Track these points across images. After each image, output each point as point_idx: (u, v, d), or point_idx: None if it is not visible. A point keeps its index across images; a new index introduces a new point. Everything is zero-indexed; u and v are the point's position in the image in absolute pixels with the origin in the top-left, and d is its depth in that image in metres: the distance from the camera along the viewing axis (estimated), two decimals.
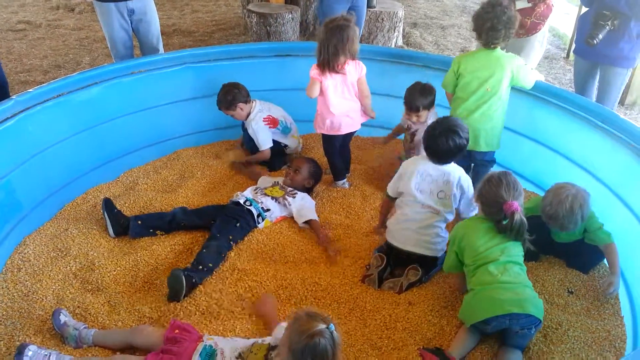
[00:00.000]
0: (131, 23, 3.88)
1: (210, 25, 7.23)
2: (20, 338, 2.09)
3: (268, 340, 1.90)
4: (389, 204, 2.73)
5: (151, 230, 2.74)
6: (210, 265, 2.47)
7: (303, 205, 2.96)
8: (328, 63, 2.86)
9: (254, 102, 3.43)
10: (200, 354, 1.89)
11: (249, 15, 5.98)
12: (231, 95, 3.34)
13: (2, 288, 2.36)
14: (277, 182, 3.15)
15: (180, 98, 3.58)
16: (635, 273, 2.49)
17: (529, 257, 2.47)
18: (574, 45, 3.86)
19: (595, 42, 3.31)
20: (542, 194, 2.99)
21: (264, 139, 3.40)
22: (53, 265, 2.51)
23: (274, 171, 3.48)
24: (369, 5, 4.74)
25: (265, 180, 3.25)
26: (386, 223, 2.66)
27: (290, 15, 5.87)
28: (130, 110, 3.35)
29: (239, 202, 2.87)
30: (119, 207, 2.92)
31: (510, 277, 2.10)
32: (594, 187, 2.62)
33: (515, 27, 2.80)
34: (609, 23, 3.27)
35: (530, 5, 3.61)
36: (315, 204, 3.06)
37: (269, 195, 2.95)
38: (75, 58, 5.86)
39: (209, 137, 3.77)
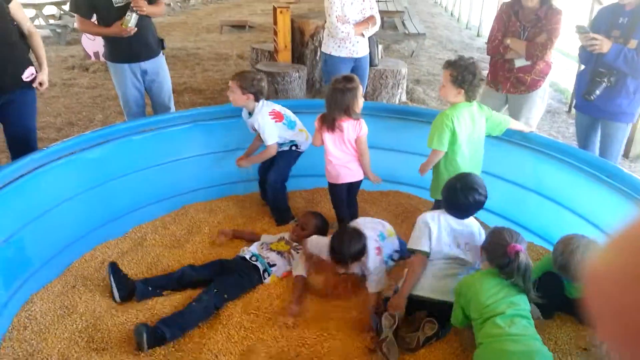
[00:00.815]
0: (144, 83, 4.02)
1: (220, 84, 7.45)
2: None
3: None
4: (424, 262, 2.51)
5: (158, 291, 2.72)
6: (192, 325, 2.47)
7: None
8: (326, 119, 3.01)
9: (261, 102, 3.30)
10: None
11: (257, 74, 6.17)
12: (256, 82, 3.25)
13: (8, 347, 2.33)
14: (283, 236, 3.16)
15: (190, 155, 3.65)
16: None
17: (542, 314, 2.47)
18: (574, 101, 3.93)
19: (592, 97, 3.38)
20: (549, 248, 2.98)
21: (271, 133, 3.30)
22: (59, 323, 2.49)
23: (281, 225, 3.49)
24: (371, 64, 4.90)
25: (269, 237, 3.25)
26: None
27: (297, 74, 6.06)
28: (140, 167, 3.41)
29: (245, 258, 2.87)
30: (127, 263, 2.93)
31: (519, 330, 2.06)
32: (601, 242, 2.60)
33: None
34: (606, 80, 3.35)
35: (529, 63, 3.71)
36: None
37: (274, 250, 2.95)
38: (88, 116, 6.02)
39: (217, 192, 3.81)
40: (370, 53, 4.72)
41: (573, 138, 5.15)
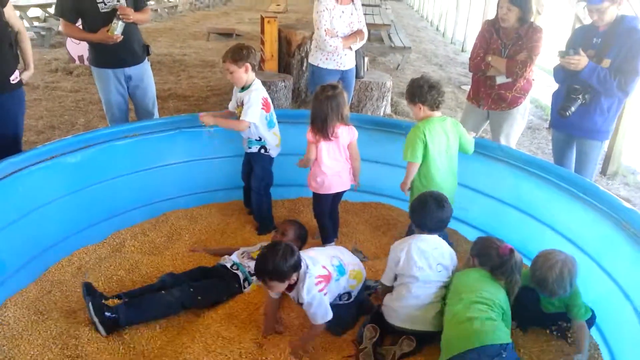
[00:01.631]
0: (128, 88, 4.00)
1: (205, 91, 7.45)
2: None
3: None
4: (386, 293, 2.60)
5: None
6: (149, 314, 2.48)
7: None
8: (321, 130, 2.99)
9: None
10: None
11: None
12: (246, 51, 3.20)
13: None
14: (264, 245, 3.14)
15: (172, 161, 3.63)
16: (618, 340, 2.48)
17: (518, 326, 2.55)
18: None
19: (567, 113, 3.46)
20: (528, 263, 3.02)
21: (254, 112, 3.21)
22: (33, 329, 2.45)
23: (263, 235, 3.48)
24: (357, 76, 4.94)
25: (248, 247, 3.21)
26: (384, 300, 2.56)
27: (283, 83, 6.08)
28: (121, 173, 3.39)
29: (225, 266, 2.85)
30: (104, 269, 2.90)
31: (473, 313, 2.17)
32: (577, 257, 2.65)
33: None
34: (581, 96, 3.43)
35: (510, 80, 3.77)
36: None
37: (255, 259, 2.94)
38: (70, 119, 5.96)
39: (199, 200, 3.79)
40: (356, 65, 4.76)
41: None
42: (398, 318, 2.45)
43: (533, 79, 3.90)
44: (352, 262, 2.61)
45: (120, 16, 3.61)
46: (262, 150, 3.41)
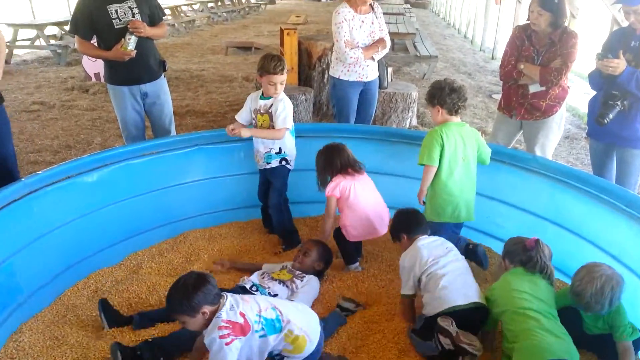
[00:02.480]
0: (144, 105, 4.08)
1: (224, 106, 7.55)
2: None
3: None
4: (411, 305, 2.73)
5: (155, 324, 2.71)
6: (173, 349, 2.47)
7: (302, 287, 2.93)
8: (344, 165, 3.18)
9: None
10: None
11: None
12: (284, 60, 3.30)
13: None
14: (286, 265, 3.16)
15: (190, 179, 3.69)
16: None
17: None
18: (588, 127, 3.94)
19: (605, 121, 3.39)
20: (567, 281, 2.96)
21: (288, 118, 3.33)
22: (48, 355, 2.48)
23: (290, 249, 3.49)
24: (381, 87, 4.95)
25: (271, 266, 3.25)
26: (423, 299, 2.63)
27: (303, 97, 6.13)
28: (138, 192, 3.45)
29: (244, 287, 2.86)
30: (120, 292, 2.93)
31: (552, 326, 2.27)
32: (621, 274, 2.59)
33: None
34: (619, 103, 3.37)
35: (543, 88, 3.73)
36: (326, 290, 3.03)
37: (276, 279, 2.95)
38: (86, 138, 6.10)
39: (218, 219, 3.82)
40: (379, 76, 4.77)
41: None
42: (449, 300, 2.46)
43: (568, 87, 3.85)
44: (299, 325, 2.25)
45: (131, 30, 3.70)
46: (284, 162, 3.45)
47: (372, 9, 4.51)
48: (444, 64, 11.07)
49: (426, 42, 10.72)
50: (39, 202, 2.90)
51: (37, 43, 11.17)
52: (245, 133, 3.30)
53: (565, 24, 3.73)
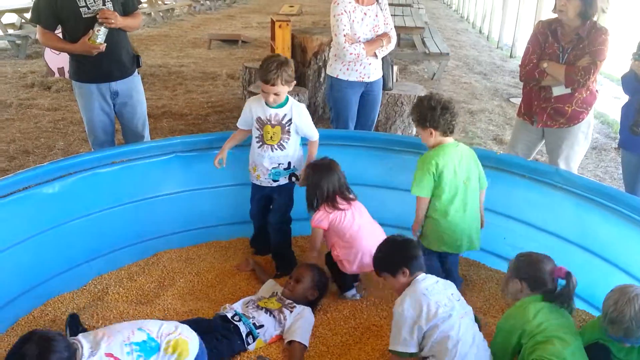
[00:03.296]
0: (114, 106, 4.07)
1: (206, 108, 7.56)
2: None
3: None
4: None
5: None
6: None
7: (296, 322, 2.91)
8: (340, 193, 3.19)
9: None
10: None
11: (249, 97, 6.26)
12: (293, 67, 3.24)
13: None
14: (276, 292, 3.14)
15: (166, 192, 3.67)
16: None
17: None
18: (620, 137, 3.96)
19: None
20: (595, 312, 2.96)
21: (312, 122, 3.40)
22: None
23: (283, 276, 3.43)
24: (385, 88, 4.94)
25: (266, 288, 3.25)
26: None
27: (296, 98, 6.12)
28: (106, 206, 3.43)
29: (226, 317, 2.85)
30: (83, 322, 2.90)
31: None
32: None
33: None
34: None
35: (569, 91, 3.75)
36: (320, 322, 3.02)
37: (262, 308, 2.93)
38: (47, 142, 6.09)
39: (195, 237, 3.81)
40: (383, 75, 4.78)
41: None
42: None
43: (597, 90, 3.88)
44: (168, 330, 2.29)
45: (101, 21, 3.69)
46: (293, 179, 3.46)
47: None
48: (456, 62, 11.14)
49: (436, 38, 10.80)
50: None
51: None
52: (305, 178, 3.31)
53: (595, 19, 3.75)
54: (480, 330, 2.61)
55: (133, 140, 4.20)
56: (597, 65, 3.67)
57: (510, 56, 12.25)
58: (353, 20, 4.38)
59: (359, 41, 4.40)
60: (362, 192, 3.37)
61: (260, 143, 3.38)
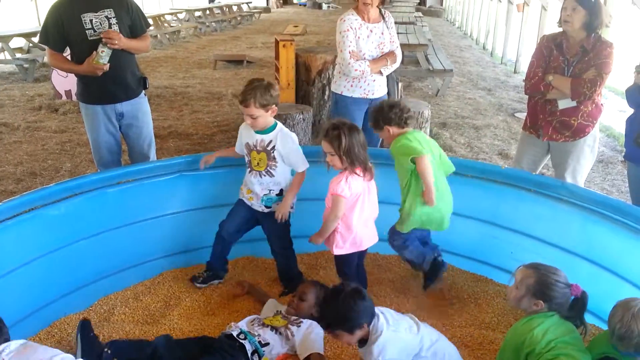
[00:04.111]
0: (120, 127, 4.10)
1: (211, 127, 7.60)
2: None
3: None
4: None
5: None
6: None
7: (308, 335, 2.89)
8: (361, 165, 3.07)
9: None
10: None
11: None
12: (274, 91, 3.20)
13: None
14: (280, 310, 3.13)
15: (171, 211, 3.68)
16: None
17: None
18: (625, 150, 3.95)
19: None
20: (603, 326, 2.92)
21: (300, 152, 3.33)
22: None
23: (290, 294, 3.43)
24: None
25: (269, 307, 3.23)
26: None
27: (301, 116, 6.16)
28: (111, 226, 3.43)
29: (231, 335, 2.83)
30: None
31: None
32: None
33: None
34: None
35: (574, 104, 3.74)
36: (327, 339, 2.99)
37: (268, 326, 2.92)
38: (54, 164, 6.12)
39: (201, 256, 3.78)
40: (388, 92, 4.78)
41: None
42: None
43: (602, 104, 3.87)
44: None
45: (105, 42, 3.72)
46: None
47: (383, 17, 4.55)
48: (460, 78, 11.18)
49: (440, 55, 10.84)
50: None
51: (0, 57, 11.30)
52: (285, 211, 3.30)
53: (599, 32, 3.76)
54: None
55: (139, 161, 4.22)
56: (603, 78, 3.67)
57: (515, 71, 12.27)
58: (359, 37, 4.40)
59: (364, 58, 4.42)
60: None
61: (250, 168, 3.39)
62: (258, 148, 3.30)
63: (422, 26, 14.77)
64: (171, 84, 10.39)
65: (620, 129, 7.38)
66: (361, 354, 2.53)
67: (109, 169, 3.88)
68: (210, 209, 3.77)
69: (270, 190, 3.36)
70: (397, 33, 5.23)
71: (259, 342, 2.82)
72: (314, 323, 2.99)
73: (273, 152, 3.28)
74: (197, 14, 19.78)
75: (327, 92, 6.82)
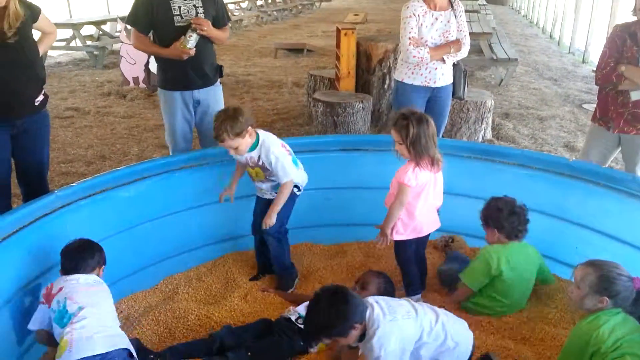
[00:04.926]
0: (195, 115, 4.19)
1: (272, 115, 7.68)
2: None
3: None
4: None
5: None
6: None
7: None
8: (425, 157, 2.99)
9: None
10: None
11: (314, 104, 6.32)
12: (241, 117, 3.16)
13: None
14: None
15: (236, 195, 3.73)
16: None
17: None
18: None
19: None
20: None
21: (289, 166, 3.28)
22: None
23: (286, 289, 3.46)
24: (454, 95, 4.78)
25: None
26: None
27: (360, 105, 6.14)
28: (178, 208, 3.53)
29: (289, 319, 2.88)
30: (153, 320, 3.01)
31: None
32: None
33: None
34: None
35: None
36: None
37: None
38: (122, 148, 6.33)
39: None
40: (454, 82, 4.64)
41: None
42: None
43: None
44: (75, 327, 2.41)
45: (194, 27, 3.83)
46: (295, 189, 3.38)
47: (452, 5, 4.41)
48: (525, 68, 10.87)
49: (504, 43, 10.57)
50: (71, 217, 3.00)
51: (72, 44, 11.72)
52: (270, 221, 3.27)
53: None
54: None
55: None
56: None
57: (583, 61, 11.83)
58: (422, 24, 4.30)
59: (426, 45, 4.33)
60: None
61: (252, 179, 3.45)
62: (250, 164, 3.33)
63: (486, 14, 14.43)
64: (233, 72, 10.54)
65: None
66: (362, 349, 2.38)
67: (177, 154, 3.97)
68: None
69: (278, 184, 3.35)
70: None
71: None
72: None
73: (264, 164, 3.29)
74: (259, 2, 19.96)
75: (387, 81, 6.76)
